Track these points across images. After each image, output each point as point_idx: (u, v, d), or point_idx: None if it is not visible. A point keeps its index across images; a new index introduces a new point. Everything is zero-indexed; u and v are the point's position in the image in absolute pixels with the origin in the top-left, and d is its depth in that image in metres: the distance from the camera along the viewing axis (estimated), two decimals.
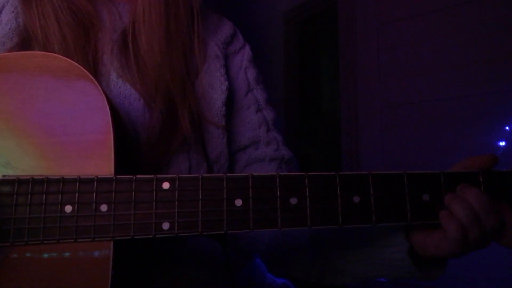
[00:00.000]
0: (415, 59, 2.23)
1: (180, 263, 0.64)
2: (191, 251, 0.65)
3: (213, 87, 0.72)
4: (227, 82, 0.73)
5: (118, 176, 0.51)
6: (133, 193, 0.50)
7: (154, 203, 0.50)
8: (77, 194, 0.50)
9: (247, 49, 0.81)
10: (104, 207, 0.50)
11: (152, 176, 0.51)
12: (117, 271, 0.50)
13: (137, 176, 0.51)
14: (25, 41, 0.64)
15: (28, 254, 0.49)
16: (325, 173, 0.52)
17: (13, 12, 0.66)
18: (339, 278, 0.68)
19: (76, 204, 0.50)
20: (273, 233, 0.70)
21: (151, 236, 0.50)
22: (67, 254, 0.50)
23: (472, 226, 0.52)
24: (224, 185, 0.51)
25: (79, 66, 0.54)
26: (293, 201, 0.51)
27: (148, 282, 0.61)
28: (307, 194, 0.52)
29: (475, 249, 0.54)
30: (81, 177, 0.50)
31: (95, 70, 0.64)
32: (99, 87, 0.54)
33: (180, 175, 0.51)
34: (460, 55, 2.08)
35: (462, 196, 0.53)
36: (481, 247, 0.54)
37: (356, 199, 0.52)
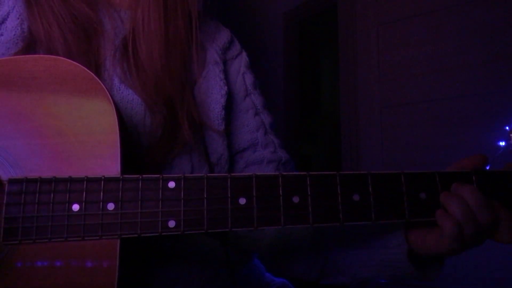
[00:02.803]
0: (415, 59, 2.24)
1: (181, 261, 0.65)
2: (192, 250, 0.66)
3: (213, 92, 0.74)
4: (226, 87, 0.75)
5: (125, 176, 0.52)
6: (140, 192, 0.52)
7: (160, 201, 0.52)
8: (84, 193, 0.51)
9: (244, 55, 0.83)
10: (111, 206, 0.51)
11: (158, 175, 0.52)
12: (121, 269, 0.51)
13: (144, 175, 0.52)
14: (30, 46, 0.66)
15: (36, 250, 0.51)
16: (326, 172, 0.54)
17: (18, 18, 0.67)
18: (339, 278, 0.69)
19: (83, 203, 0.51)
20: (275, 234, 0.72)
21: (157, 234, 0.51)
22: (74, 252, 0.51)
23: (467, 222, 0.53)
24: (229, 185, 0.53)
25: (86, 69, 0.56)
26: (296, 199, 0.53)
27: (149, 280, 0.63)
28: (309, 193, 0.53)
29: (471, 245, 0.56)
30: (89, 176, 0.52)
31: (98, 75, 0.65)
32: (106, 89, 0.55)
33: (186, 175, 0.53)
34: (460, 55, 2.09)
35: (457, 193, 0.55)
36: (477, 244, 0.56)
37: (356, 197, 0.54)
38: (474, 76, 2.03)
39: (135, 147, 0.64)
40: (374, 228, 0.64)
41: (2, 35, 0.66)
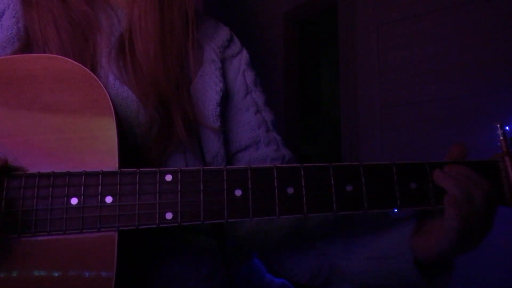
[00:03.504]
0: (415, 59, 2.24)
1: (178, 260, 0.65)
2: (189, 249, 0.66)
3: (208, 89, 0.74)
4: (221, 84, 0.75)
5: (122, 169, 0.53)
6: (137, 185, 0.52)
7: (157, 194, 0.52)
8: (82, 187, 0.52)
9: (245, 53, 0.83)
10: (109, 199, 0.52)
11: (155, 169, 0.53)
12: (119, 264, 0.51)
13: (141, 169, 0.53)
14: (26, 45, 0.66)
15: (36, 245, 0.51)
16: (319, 164, 0.56)
17: (14, 17, 0.67)
18: (344, 286, 0.69)
19: (82, 197, 0.52)
20: (286, 230, 0.72)
21: (155, 225, 0.52)
22: (74, 245, 0.51)
23: (472, 187, 0.56)
24: (224, 177, 0.54)
25: (83, 67, 0.56)
26: (290, 190, 0.54)
27: (146, 278, 0.63)
28: (303, 184, 0.55)
29: (472, 234, 0.56)
30: (87, 171, 0.52)
31: (94, 73, 0.66)
32: (103, 87, 0.56)
33: (182, 168, 0.54)
34: (460, 55, 2.09)
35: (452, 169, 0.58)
36: (478, 232, 0.57)
37: (349, 188, 0.55)
38: (474, 76, 2.04)
39: (130, 146, 0.64)
40: (379, 238, 0.65)
41: None
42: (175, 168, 0.53)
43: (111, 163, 0.53)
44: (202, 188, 0.53)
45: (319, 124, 4.41)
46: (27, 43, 0.66)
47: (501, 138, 0.60)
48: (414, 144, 2.20)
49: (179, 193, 0.52)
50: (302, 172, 0.55)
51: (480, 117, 1.97)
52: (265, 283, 0.83)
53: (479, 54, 2.03)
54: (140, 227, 0.51)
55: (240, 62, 0.81)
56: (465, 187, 0.55)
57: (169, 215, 0.52)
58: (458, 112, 2.06)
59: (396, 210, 0.56)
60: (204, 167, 0.54)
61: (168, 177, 0.53)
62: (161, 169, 0.53)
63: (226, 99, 0.77)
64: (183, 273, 0.65)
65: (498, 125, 0.59)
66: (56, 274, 0.51)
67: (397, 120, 2.30)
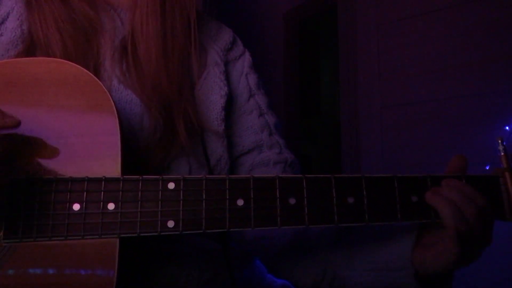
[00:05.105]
0: (415, 59, 2.24)
1: (180, 263, 0.65)
2: (191, 252, 0.66)
3: (212, 93, 0.74)
4: (226, 88, 0.75)
5: (125, 176, 0.53)
6: (140, 192, 0.52)
7: (159, 202, 0.52)
8: (85, 193, 0.52)
9: (247, 55, 0.83)
10: (111, 206, 0.52)
11: (158, 176, 0.53)
12: (120, 269, 0.51)
13: (144, 176, 0.53)
14: (29, 48, 0.66)
15: (37, 248, 0.51)
16: (322, 175, 0.56)
17: (18, 19, 0.67)
18: None
19: (84, 203, 0.52)
20: (292, 237, 0.72)
21: (156, 233, 0.52)
22: (75, 249, 0.51)
23: (465, 204, 0.55)
24: (227, 186, 0.54)
25: (87, 71, 0.56)
26: (292, 201, 0.54)
27: (148, 281, 0.63)
28: (305, 195, 0.55)
29: (478, 238, 0.56)
30: (89, 177, 0.52)
31: (97, 75, 0.66)
32: (107, 91, 0.56)
33: (185, 176, 0.54)
34: (460, 55, 2.09)
35: (448, 184, 0.57)
36: (483, 238, 0.56)
37: (351, 199, 0.56)
38: (474, 76, 2.04)
39: (133, 150, 0.64)
40: (380, 249, 0.65)
41: (2, 35, 0.66)
42: (178, 176, 0.53)
43: (114, 169, 0.53)
44: (204, 197, 0.53)
45: (319, 124, 4.40)
46: (30, 46, 0.66)
47: (502, 154, 0.59)
48: (414, 144, 2.20)
49: (181, 201, 0.53)
50: (304, 183, 0.55)
51: (480, 117, 1.97)
52: (266, 283, 0.83)
53: (479, 54, 2.03)
54: (141, 234, 0.51)
55: (243, 64, 0.81)
56: (455, 206, 0.55)
57: (170, 223, 0.52)
58: (458, 112, 2.06)
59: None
60: (207, 176, 0.54)
61: (171, 185, 0.53)
62: (164, 176, 0.53)
63: (230, 102, 0.76)
64: (185, 277, 0.65)
65: (499, 140, 0.59)
66: (56, 279, 0.51)
67: (397, 120, 2.30)
